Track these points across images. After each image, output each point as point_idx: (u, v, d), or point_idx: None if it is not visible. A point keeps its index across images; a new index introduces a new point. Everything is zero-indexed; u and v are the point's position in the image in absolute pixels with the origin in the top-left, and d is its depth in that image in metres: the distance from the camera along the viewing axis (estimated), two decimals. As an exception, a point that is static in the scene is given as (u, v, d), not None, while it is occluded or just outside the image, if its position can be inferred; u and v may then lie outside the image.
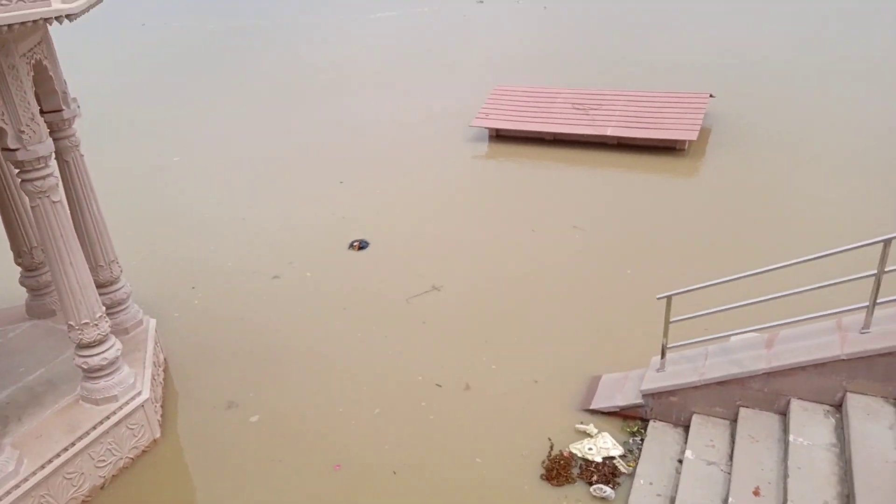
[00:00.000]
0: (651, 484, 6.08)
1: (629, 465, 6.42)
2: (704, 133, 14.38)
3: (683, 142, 13.76)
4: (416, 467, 6.71)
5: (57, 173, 6.16)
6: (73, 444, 6.36)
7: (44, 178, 5.85)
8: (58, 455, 6.23)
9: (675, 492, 5.84)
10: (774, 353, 6.12)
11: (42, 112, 6.35)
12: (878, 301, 5.61)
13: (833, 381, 5.80)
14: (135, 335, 7.99)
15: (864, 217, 10.52)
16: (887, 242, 5.30)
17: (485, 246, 10.85)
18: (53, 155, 6.03)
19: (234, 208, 13.00)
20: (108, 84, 23.17)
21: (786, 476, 5.37)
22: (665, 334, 6.53)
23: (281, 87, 21.50)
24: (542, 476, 6.41)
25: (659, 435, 6.64)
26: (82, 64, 24.22)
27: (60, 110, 6.68)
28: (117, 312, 7.85)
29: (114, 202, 12.72)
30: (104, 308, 6.72)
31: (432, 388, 7.80)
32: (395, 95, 19.67)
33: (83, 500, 6.53)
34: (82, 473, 6.47)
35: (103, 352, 6.67)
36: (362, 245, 11.14)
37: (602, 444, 6.63)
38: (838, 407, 5.85)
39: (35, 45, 5.89)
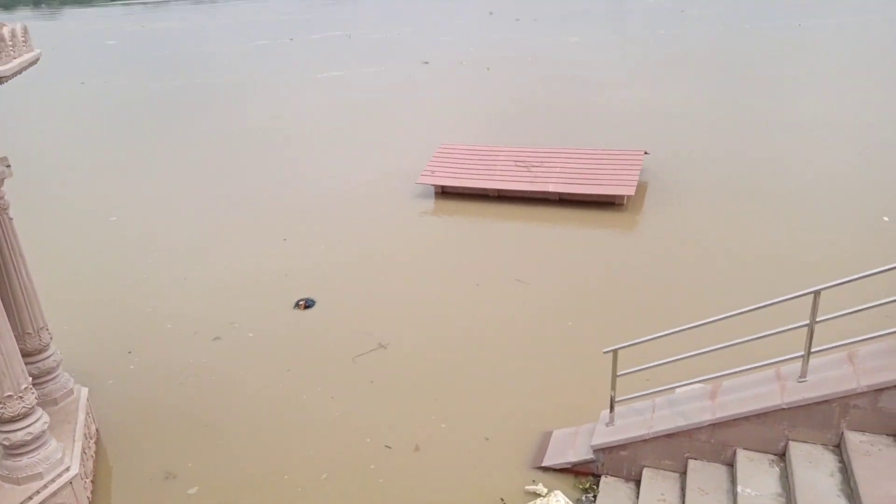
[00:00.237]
0: (605, 542, 6.00)
1: (582, 524, 6.33)
2: (642, 188, 14.92)
3: (622, 197, 14.23)
4: (366, 536, 6.46)
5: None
6: (-9, 529, 5.89)
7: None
8: (-27, 542, 5.75)
9: (629, 549, 5.77)
10: (719, 404, 6.22)
11: (-32, 173, 6.10)
12: (812, 350, 5.80)
13: (776, 431, 5.92)
14: (64, 406, 7.55)
15: (797, 265, 10.98)
16: (817, 294, 5.52)
17: (431, 302, 10.83)
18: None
19: (174, 268, 12.64)
20: (43, 143, 22.56)
21: (736, 528, 5.39)
22: (613, 387, 6.58)
23: (223, 146, 21.34)
24: (495, 539, 6.26)
25: (611, 491, 6.60)
26: (16, 123, 23.57)
27: (-12, 171, 6.43)
28: (45, 382, 7.43)
29: (45, 264, 12.24)
30: (30, 378, 6.34)
31: (381, 449, 7.60)
32: (340, 154, 19.76)
33: (1, 591, 6.01)
34: (1, 561, 5.98)
35: (28, 426, 6.26)
36: (308, 304, 10.95)
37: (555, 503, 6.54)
38: (782, 456, 5.96)
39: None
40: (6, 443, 6.20)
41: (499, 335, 9.74)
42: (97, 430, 8.09)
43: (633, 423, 6.68)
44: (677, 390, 6.70)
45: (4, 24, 5.73)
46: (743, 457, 6.03)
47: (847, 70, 26.51)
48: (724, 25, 43.17)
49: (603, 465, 6.78)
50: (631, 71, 28.89)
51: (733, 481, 5.92)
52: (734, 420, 6.01)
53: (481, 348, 9.43)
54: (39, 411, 6.45)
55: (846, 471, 5.45)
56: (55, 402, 7.49)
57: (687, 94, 24.17)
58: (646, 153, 15.50)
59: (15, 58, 5.58)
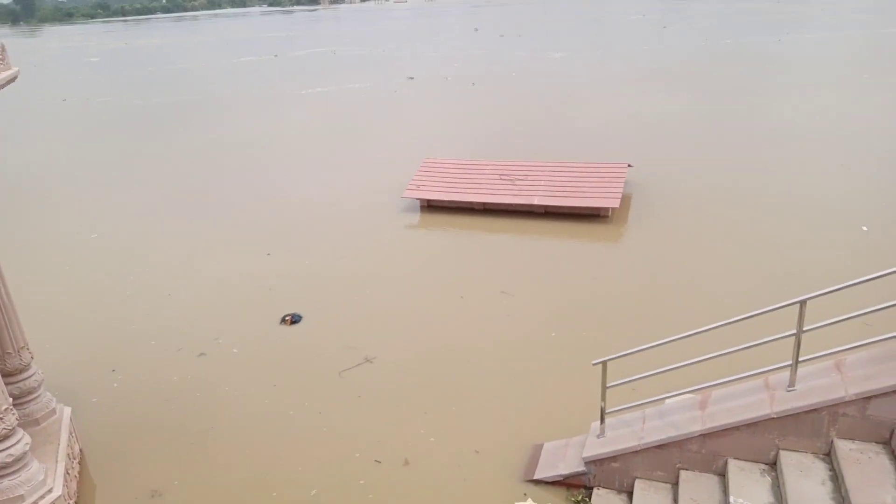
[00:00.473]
0: (598, 555, 5.95)
1: (575, 537, 6.28)
2: (626, 200, 15.02)
3: (607, 209, 14.31)
4: (356, 554, 6.36)
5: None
6: (-30, 554, 5.73)
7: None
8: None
9: (623, 562, 5.73)
10: (709, 415, 6.22)
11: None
12: (800, 359, 5.83)
13: (766, 440, 5.92)
14: (46, 426, 7.39)
15: (782, 275, 11.08)
16: (803, 303, 5.56)
17: (417, 315, 10.78)
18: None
19: (157, 284, 12.50)
20: (24, 160, 22.31)
21: (729, 539, 5.37)
22: (603, 398, 6.56)
23: (207, 162, 21.24)
24: (487, 554, 6.19)
25: (604, 503, 6.56)
26: (-4, 139, 23.33)
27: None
28: (27, 402, 7.27)
29: (25, 282, 12.07)
30: (11, 399, 6.21)
31: (371, 464, 7.51)
32: (326, 168, 19.74)
33: None
34: (-20, 586, 5.82)
35: (9, 447, 6.12)
36: (295, 319, 10.85)
37: (546, 517, 6.49)
38: (773, 465, 5.96)
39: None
40: (-14, 464, 6.06)
41: (486, 347, 9.70)
42: (81, 450, 7.92)
43: (623, 434, 6.66)
44: (667, 401, 6.69)
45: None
46: (734, 466, 6.03)
47: (827, 84, 27.00)
48: (706, 41, 43.87)
49: (595, 477, 6.74)
50: (614, 85, 29.22)
51: (725, 491, 5.91)
52: (724, 430, 6.01)
53: (469, 361, 9.39)
54: (21, 432, 6.31)
55: (837, 479, 5.46)
56: (37, 422, 7.33)
57: (670, 107, 24.47)
58: (630, 166, 15.62)
59: (-6, 74, 5.52)
